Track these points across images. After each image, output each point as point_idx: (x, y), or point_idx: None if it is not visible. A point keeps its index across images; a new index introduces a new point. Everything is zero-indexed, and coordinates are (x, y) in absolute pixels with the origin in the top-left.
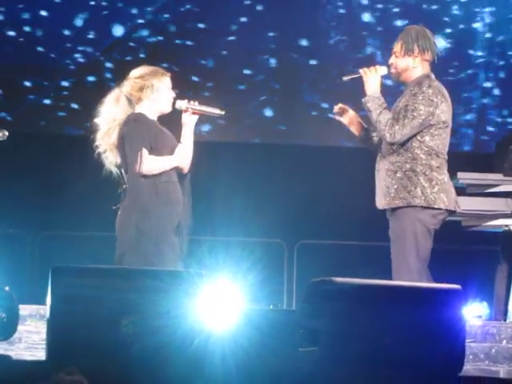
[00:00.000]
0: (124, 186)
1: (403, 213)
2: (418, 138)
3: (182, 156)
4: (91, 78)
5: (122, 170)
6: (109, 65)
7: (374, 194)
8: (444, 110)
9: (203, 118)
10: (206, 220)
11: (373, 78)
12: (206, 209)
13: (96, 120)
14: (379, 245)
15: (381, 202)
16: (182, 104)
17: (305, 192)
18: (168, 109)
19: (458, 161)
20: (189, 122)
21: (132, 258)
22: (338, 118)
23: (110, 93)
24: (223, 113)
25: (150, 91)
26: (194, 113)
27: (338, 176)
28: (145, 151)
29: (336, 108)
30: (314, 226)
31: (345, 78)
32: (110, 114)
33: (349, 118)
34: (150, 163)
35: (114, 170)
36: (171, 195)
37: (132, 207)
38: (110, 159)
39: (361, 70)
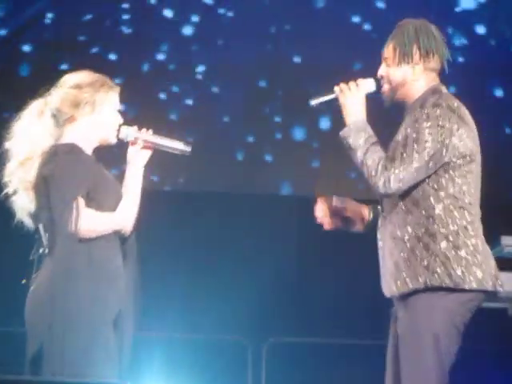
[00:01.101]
0: (41, 250)
1: (417, 301)
2: (431, 184)
3: (127, 215)
4: None
5: (40, 226)
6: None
7: (369, 275)
8: (463, 138)
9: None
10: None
11: (354, 99)
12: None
13: (7, 144)
14: (375, 344)
15: (390, 288)
16: (129, 132)
17: (275, 270)
18: (112, 138)
19: (500, 215)
20: (137, 159)
21: (48, 359)
22: (330, 227)
23: (28, 104)
24: (189, 149)
25: (90, 110)
26: (146, 147)
27: (322, 248)
28: (81, 202)
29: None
30: (288, 319)
31: (313, 102)
32: (28, 137)
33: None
34: (90, 221)
35: (27, 220)
36: (109, 267)
37: (52, 284)
38: (23, 205)
39: (336, 88)
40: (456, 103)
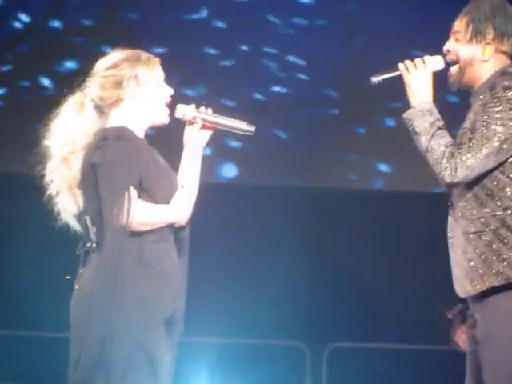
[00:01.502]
0: (88, 245)
1: (498, 300)
2: (507, 172)
3: (184, 207)
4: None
5: (87, 219)
6: None
7: (436, 277)
8: None
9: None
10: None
11: (420, 78)
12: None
13: (46, 142)
14: (438, 349)
15: (464, 287)
16: (186, 111)
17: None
18: (165, 116)
19: None
20: (196, 141)
21: (93, 370)
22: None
23: (67, 100)
24: (253, 129)
25: (135, 84)
26: (205, 126)
27: (387, 249)
28: (133, 192)
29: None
30: (349, 323)
31: (374, 79)
32: (69, 132)
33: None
34: (143, 213)
35: (73, 222)
36: (164, 264)
37: (99, 282)
38: (67, 205)
39: (400, 65)
40: None
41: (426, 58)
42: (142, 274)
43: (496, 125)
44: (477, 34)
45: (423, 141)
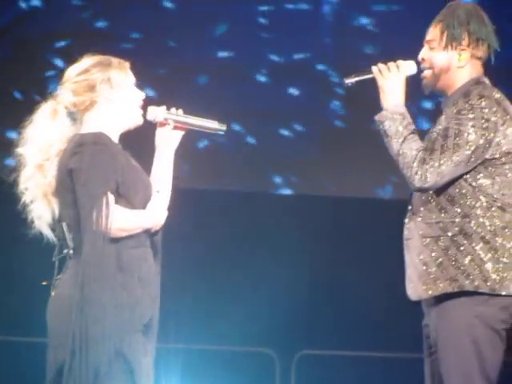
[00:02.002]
0: (65, 251)
1: (453, 305)
2: (470, 180)
3: (160, 211)
4: None
5: (64, 225)
6: None
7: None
8: (507, 134)
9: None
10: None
11: (393, 81)
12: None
13: (20, 150)
14: (409, 357)
15: (416, 290)
16: (158, 113)
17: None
18: (138, 118)
19: None
20: (168, 142)
21: (70, 371)
22: None
23: (40, 106)
24: (224, 128)
25: (108, 88)
26: (176, 127)
27: (356, 256)
28: (111, 198)
29: None
30: (318, 331)
31: (347, 81)
32: (43, 139)
33: None
34: (121, 219)
35: (47, 232)
36: (142, 270)
37: (77, 289)
38: (42, 213)
39: (374, 68)
40: (501, 96)
41: (400, 62)
42: (120, 280)
43: (468, 133)
44: (452, 41)
45: (394, 144)
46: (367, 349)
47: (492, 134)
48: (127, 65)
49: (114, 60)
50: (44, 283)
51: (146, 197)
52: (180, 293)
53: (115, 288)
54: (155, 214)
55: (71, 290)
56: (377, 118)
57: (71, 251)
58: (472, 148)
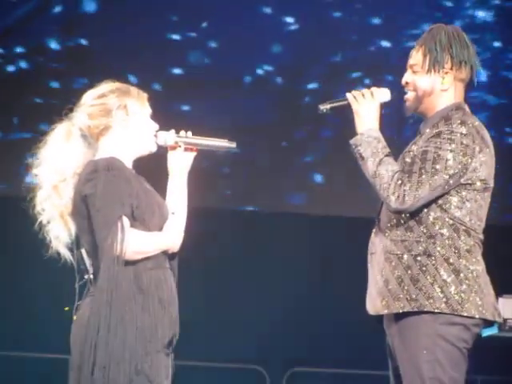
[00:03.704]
0: (86, 277)
1: (415, 323)
2: (440, 203)
3: (177, 232)
4: None
5: (83, 251)
6: None
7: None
8: (483, 162)
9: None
10: None
11: (368, 106)
12: None
13: (35, 171)
14: None
15: (374, 305)
16: (167, 137)
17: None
18: (152, 145)
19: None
20: (181, 165)
21: None
22: None
23: (54, 127)
24: (234, 145)
25: (124, 113)
26: (187, 149)
27: (348, 275)
28: (126, 222)
29: None
30: (310, 348)
31: (322, 107)
32: (58, 160)
33: None
34: (137, 242)
35: (65, 252)
36: (163, 291)
37: (96, 314)
38: (59, 233)
39: (348, 95)
40: (480, 124)
41: (374, 89)
42: (140, 302)
43: (447, 158)
44: (435, 64)
45: (370, 166)
46: (358, 367)
47: (470, 160)
48: (145, 96)
49: (133, 89)
50: (66, 309)
51: (161, 219)
52: None
53: (135, 310)
54: (171, 235)
55: (90, 316)
56: (352, 141)
57: (91, 276)
58: (450, 173)
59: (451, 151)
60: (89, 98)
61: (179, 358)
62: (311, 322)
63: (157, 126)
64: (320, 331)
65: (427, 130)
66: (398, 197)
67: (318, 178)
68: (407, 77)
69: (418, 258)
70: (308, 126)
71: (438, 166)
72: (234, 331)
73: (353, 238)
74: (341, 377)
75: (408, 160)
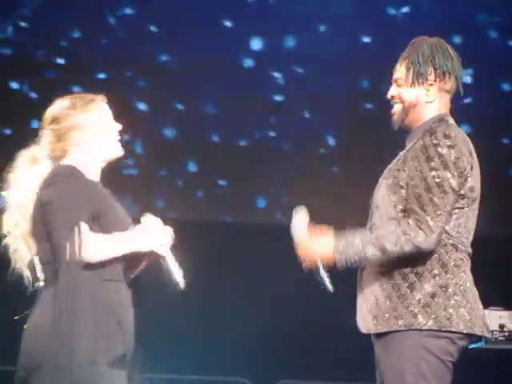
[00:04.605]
0: (37, 284)
1: (400, 337)
2: None
3: (143, 241)
4: None
5: (35, 259)
6: None
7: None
8: (472, 174)
9: None
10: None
11: (321, 249)
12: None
13: (3, 193)
14: None
15: (366, 323)
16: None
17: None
18: (117, 151)
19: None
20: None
21: None
22: None
23: (22, 152)
24: (182, 286)
25: (78, 135)
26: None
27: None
28: (84, 227)
29: None
30: (298, 360)
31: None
32: (24, 182)
33: None
34: (95, 244)
35: (26, 272)
36: (119, 305)
37: (51, 321)
38: (23, 254)
39: (304, 266)
40: (463, 135)
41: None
42: (91, 311)
43: (448, 178)
44: (418, 77)
45: (370, 250)
46: (347, 379)
47: (465, 173)
48: (101, 99)
49: (80, 102)
50: (16, 318)
51: (123, 229)
52: (157, 323)
53: (86, 318)
54: (136, 241)
55: (44, 323)
56: (339, 263)
57: (42, 283)
58: (455, 190)
59: (447, 168)
60: (46, 121)
61: (166, 372)
62: (298, 334)
63: (119, 127)
64: (307, 343)
65: (413, 143)
66: (425, 236)
67: None
68: (392, 91)
69: (407, 275)
70: None
71: (443, 189)
72: (219, 343)
73: None
74: None
75: (403, 190)
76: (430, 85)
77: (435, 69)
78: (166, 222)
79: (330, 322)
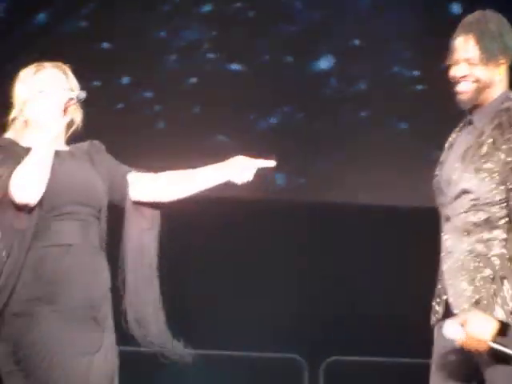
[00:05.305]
0: None
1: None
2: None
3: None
4: None
5: None
6: None
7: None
8: None
9: None
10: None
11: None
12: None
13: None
14: None
15: (457, 304)
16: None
17: (334, 282)
18: (55, 128)
19: None
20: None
21: None
22: None
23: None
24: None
25: (17, 109)
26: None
27: (386, 260)
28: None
29: None
30: (349, 336)
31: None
32: None
33: None
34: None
35: None
36: (46, 268)
37: None
38: None
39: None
40: None
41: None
42: (24, 277)
43: None
44: (492, 56)
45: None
46: (397, 355)
47: None
48: (41, 66)
49: (24, 73)
50: None
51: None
52: (210, 302)
53: (19, 284)
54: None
55: None
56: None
57: None
58: None
59: None
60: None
61: (216, 348)
62: (349, 310)
63: (66, 96)
64: (358, 319)
65: (483, 123)
66: None
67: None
68: (464, 70)
69: (503, 257)
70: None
71: None
72: (270, 320)
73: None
74: (379, 365)
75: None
76: (500, 64)
77: (505, 46)
78: None
79: (379, 302)
